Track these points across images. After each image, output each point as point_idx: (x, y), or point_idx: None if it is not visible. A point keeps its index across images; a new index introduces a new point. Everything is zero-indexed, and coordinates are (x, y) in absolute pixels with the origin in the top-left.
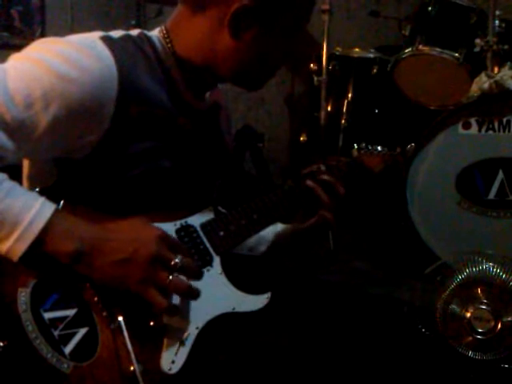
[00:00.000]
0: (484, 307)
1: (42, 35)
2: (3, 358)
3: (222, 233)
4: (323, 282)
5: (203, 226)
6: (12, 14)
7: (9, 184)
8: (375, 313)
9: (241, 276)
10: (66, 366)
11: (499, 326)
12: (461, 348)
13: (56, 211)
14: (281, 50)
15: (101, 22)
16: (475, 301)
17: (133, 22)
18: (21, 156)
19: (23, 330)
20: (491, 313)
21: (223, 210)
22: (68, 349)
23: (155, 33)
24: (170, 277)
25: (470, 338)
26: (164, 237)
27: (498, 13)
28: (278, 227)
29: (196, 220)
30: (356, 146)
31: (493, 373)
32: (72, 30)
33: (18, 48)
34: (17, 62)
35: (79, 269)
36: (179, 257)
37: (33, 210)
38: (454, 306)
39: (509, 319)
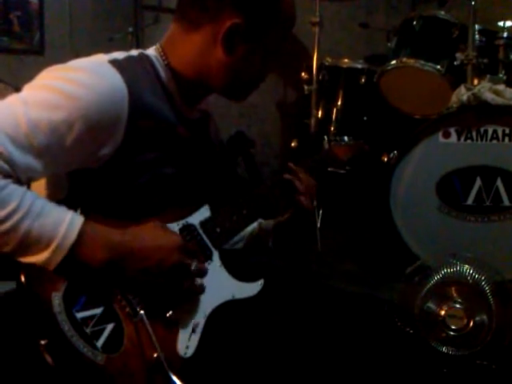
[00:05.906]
0: (458, 306)
1: (41, 40)
2: (46, 355)
3: (218, 229)
4: (309, 282)
5: (202, 224)
6: (11, 18)
7: (41, 201)
8: (358, 311)
9: (237, 267)
10: (100, 358)
11: (471, 323)
12: (436, 344)
13: (84, 224)
14: (266, 63)
15: (99, 28)
16: (450, 300)
17: (130, 29)
18: (47, 174)
19: (61, 330)
20: (464, 311)
21: (217, 208)
22: (100, 343)
23: (151, 51)
24: (190, 281)
25: (444, 335)
26: (183, 245)
27: (477, 27)
28: (256, 224)
29: (195, 219)
30: (326, 138)
31: (466, 368)
32: (70, 35)
33: (17, 52)
34: (33, 92)
35: (110, 275)
36: (195, 262)
37: (64, 225)
38: (430, 305)
39: (480, 317)
